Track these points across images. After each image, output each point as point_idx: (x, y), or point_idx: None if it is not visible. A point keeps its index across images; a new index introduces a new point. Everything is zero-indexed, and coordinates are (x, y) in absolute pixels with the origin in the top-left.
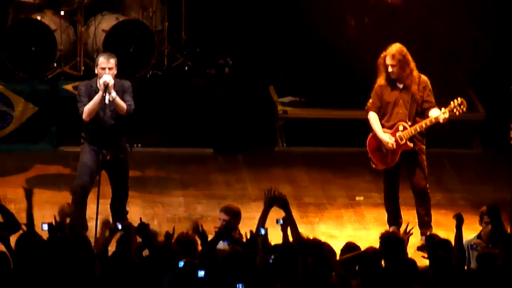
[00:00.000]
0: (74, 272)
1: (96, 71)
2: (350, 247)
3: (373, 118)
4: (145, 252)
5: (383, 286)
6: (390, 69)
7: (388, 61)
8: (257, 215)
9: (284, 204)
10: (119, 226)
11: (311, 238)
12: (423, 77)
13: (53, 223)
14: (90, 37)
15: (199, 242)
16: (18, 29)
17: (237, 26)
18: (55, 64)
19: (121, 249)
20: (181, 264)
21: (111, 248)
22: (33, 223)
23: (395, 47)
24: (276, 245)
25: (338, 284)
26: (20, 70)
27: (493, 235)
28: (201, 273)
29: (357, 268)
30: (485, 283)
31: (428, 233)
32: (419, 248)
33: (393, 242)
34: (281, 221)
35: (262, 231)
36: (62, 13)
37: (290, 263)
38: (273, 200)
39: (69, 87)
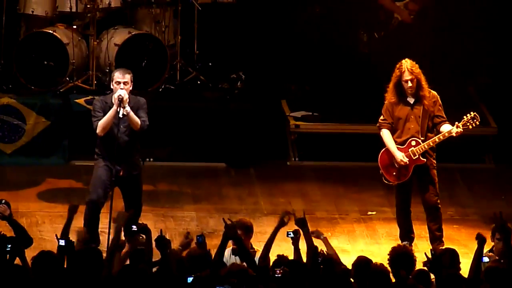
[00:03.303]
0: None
1: (111, 86)
2: (361, 262)
3: (386, 135)
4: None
5: None
6: (409, 84)
7: (407, 76)
8: (269, 230)
9: (303, 223)
10: (135, 228)
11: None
12: (433, 92)
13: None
14: (103, 51)
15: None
16: (30, 43)
17: (249, 40)
18: (67, 78)
19: (135, 261)
20: (190, 280)
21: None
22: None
23: (410, 63)
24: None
25: None
26: (32, 83)
27: (504, 250)
28: (189, 279)
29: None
30: None
31: (440, 248)
32: (425, 264)
33: (403, 257)
34: (292, 234)
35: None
36: (74, 26)
37: (299, 278)
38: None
39: (81, 101)
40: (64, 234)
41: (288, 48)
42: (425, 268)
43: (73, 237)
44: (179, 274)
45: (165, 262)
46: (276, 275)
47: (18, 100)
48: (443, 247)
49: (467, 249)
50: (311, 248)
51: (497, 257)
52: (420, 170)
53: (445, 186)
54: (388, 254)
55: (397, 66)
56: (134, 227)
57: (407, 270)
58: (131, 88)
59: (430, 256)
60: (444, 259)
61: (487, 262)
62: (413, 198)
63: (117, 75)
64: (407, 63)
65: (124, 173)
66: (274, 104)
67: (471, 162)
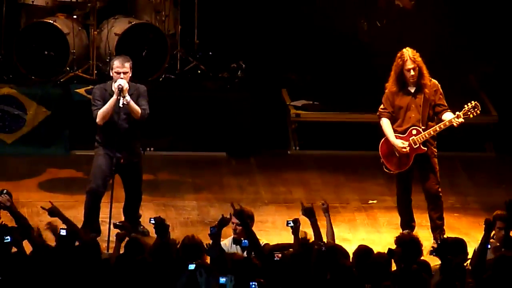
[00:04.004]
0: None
1: (111, 74)
2: (362, 251)
3: (385, 123)
4: None
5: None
6: (412, 73)
7: (410, 65)
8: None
9: (310, 213)
10: (152, 221)
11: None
12: (434, 81)
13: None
14: (103, 41)
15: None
16: (30, 33)
17: (249, 29)
18: (67, 68)
19: (130, 251)
20: (192, 266)
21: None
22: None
23: (412, 51)
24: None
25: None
26: (32, 73)
27: (506, 238)
28: (191, 266)
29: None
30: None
31: (440, 237)
32: (431, 253)
33: (409, 243)
34: (291, 223)
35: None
36: (74, 16)
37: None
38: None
39: (81, 90)
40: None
41: (288, 37)
42: (432, 255)
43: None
44: (176, 261)
45: (164, 248)
46: (275, 259)
47: (19, 90)
48: (446, 236)
49: (468, 238)
50: (319, 238)
51: (497, 244)
52: (421, 159)
53: (446, 174)
54: (396, 243)
55: (399, 55)
56: (152, 220)
57: (414, 257)
58: (130, 75)
59: (436, 244)
60: (452, 248)
61: (488, 248)
62: (414, 187)
63: (117, 64)
64: (408, 52)
65: (125, 160)
66: (275, 93)
67: (472, 151)
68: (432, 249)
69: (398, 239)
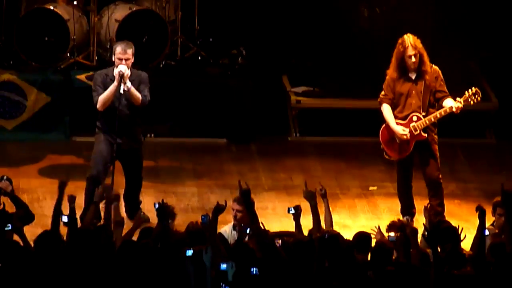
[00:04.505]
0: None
1: (113, 59)
2: (361, 237)
3: (386, 110)
4: None
5: (397, 275)
6: (413, 59)
7: (411, 51)
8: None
9: (312, 197)
10: (156, 206)
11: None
12: (435, 67)
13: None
14: (103, 27)
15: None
16: (31, 19)
17: (250, 16)
18: (68, 54)
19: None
20: (189, 253)
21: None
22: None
23: (413, 38)
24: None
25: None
26: (33, 60)
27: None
28: (189, 252)
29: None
30: (499, 274)
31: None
32: (424, 236)
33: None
34: (293, 210)
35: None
36: (75, 2)
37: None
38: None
39: (82, 77)
40: (57, 211)
41: (289, 23)
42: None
43: (65, 212)
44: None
45: (165, 232)
46: (276, 246)
47: (19, 76)
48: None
49: (468, 224)
50: (318, 223)
51: (496, 231)
52: (422, 145)
53: (446, 161)
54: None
55: (400, 41)
56: (156, 205)
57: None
58: (132, 61)
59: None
60: (443, 233)
61: (487, 235)
62: (414, 173)
63: (119, 50)
64: (409, 38)
65: (125, 146)
66: (275, 79)
67: (472, 137)
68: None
69: (389, 226)
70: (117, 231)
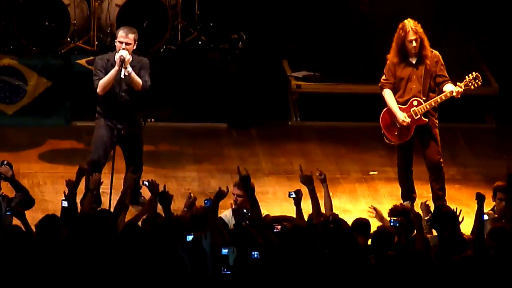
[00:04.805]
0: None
1: (115, 43)
2: (360, 223)
3: (388, 94)
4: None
5: (398, 260)
6: (414, 44)
7: (412, 36)
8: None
9: (309, 181)
10: (146, 184)
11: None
12: (435, 52)
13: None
14: (104, 12)
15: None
16: (31, 4)
17: (250, 0)
18: (68, 39)
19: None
20: (190, 238)
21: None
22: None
23: (413, 22)
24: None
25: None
26: (33, 44)
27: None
28: (189, 237)
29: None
30: (498, 258)
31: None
32: (427, 221)
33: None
34: (293, 194)
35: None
36: None
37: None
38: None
39: (82, 61)
40: (70, 197)
41: (289, 8)
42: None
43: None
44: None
45: (167, 218)
46: (275, 231)
47: (20, 61)
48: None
49: (469, 209)
50: (317, 207)
51: (496, 215)
52: (422, 130)
53: (447, 145)
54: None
55: (400, 26)
56: (146, 183)
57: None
58: (134, 48)
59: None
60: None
61: (486, 220)
62: (415, 158)
63: (121, 34)
64: (410, 23)
65: (125, 131)
66: (275, 64)
67: (473, 122)
68: (428, 218)
69: (391, 210)
70: (121, 215)
